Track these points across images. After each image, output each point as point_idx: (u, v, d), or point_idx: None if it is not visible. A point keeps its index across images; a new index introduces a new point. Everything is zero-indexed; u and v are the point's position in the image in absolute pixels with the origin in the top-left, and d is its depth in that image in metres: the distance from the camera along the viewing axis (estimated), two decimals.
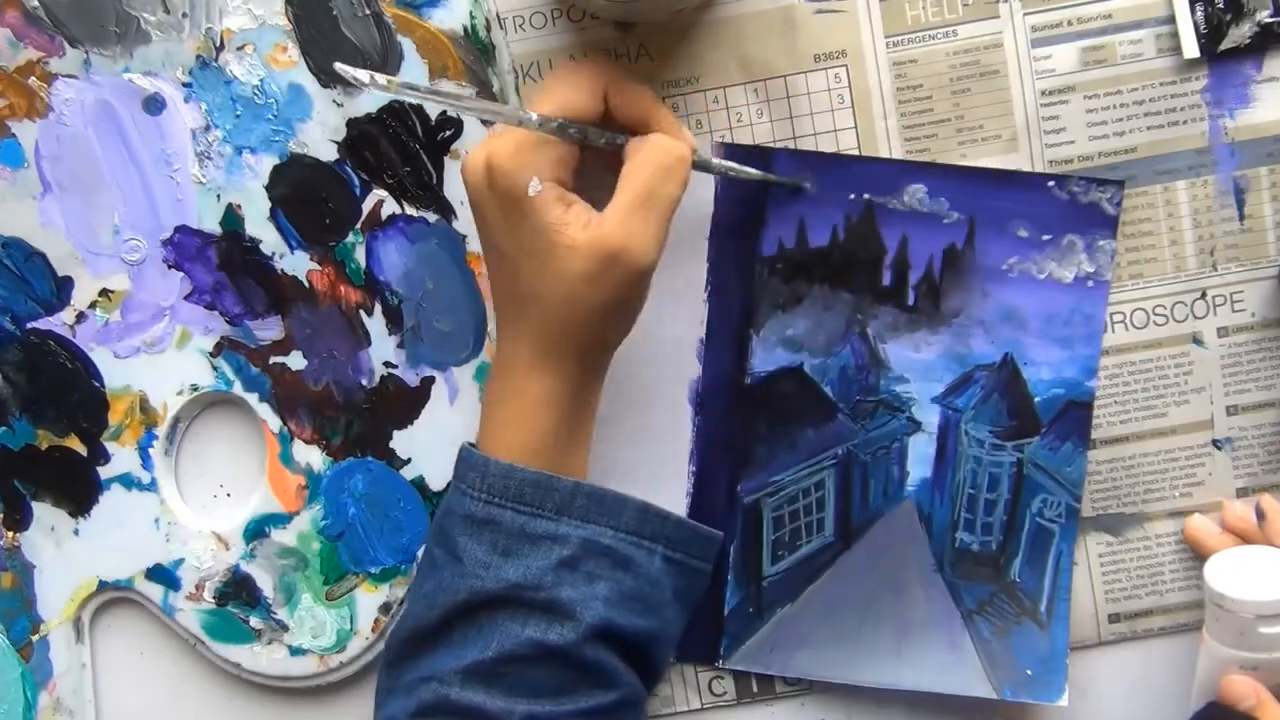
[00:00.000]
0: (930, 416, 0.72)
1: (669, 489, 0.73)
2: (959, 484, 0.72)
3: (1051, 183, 0.69)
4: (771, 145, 0.71)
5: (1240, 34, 0.68)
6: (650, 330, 0.71)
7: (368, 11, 0.70)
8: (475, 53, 0.70)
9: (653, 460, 0.73)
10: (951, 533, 0.72)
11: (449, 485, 0.65)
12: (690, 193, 0.69)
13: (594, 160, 0.65)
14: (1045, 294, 0.70)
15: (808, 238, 0.71)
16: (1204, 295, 0.71)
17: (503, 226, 0.62)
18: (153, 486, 0.73)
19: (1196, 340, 0.71)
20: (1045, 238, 0.70)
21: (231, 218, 0.72)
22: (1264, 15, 0.68)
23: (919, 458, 0.72)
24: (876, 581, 0.72)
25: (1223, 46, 0.68)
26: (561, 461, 0.64)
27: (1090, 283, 0.70)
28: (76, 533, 0.74)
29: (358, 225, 0.72)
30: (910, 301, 0.71)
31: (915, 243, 0.70)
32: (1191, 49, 0.68)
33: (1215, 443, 0.71)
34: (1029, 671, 0.71)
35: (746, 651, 0.73)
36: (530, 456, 0.63)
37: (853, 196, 0.70)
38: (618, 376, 0.70)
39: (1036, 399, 0.71)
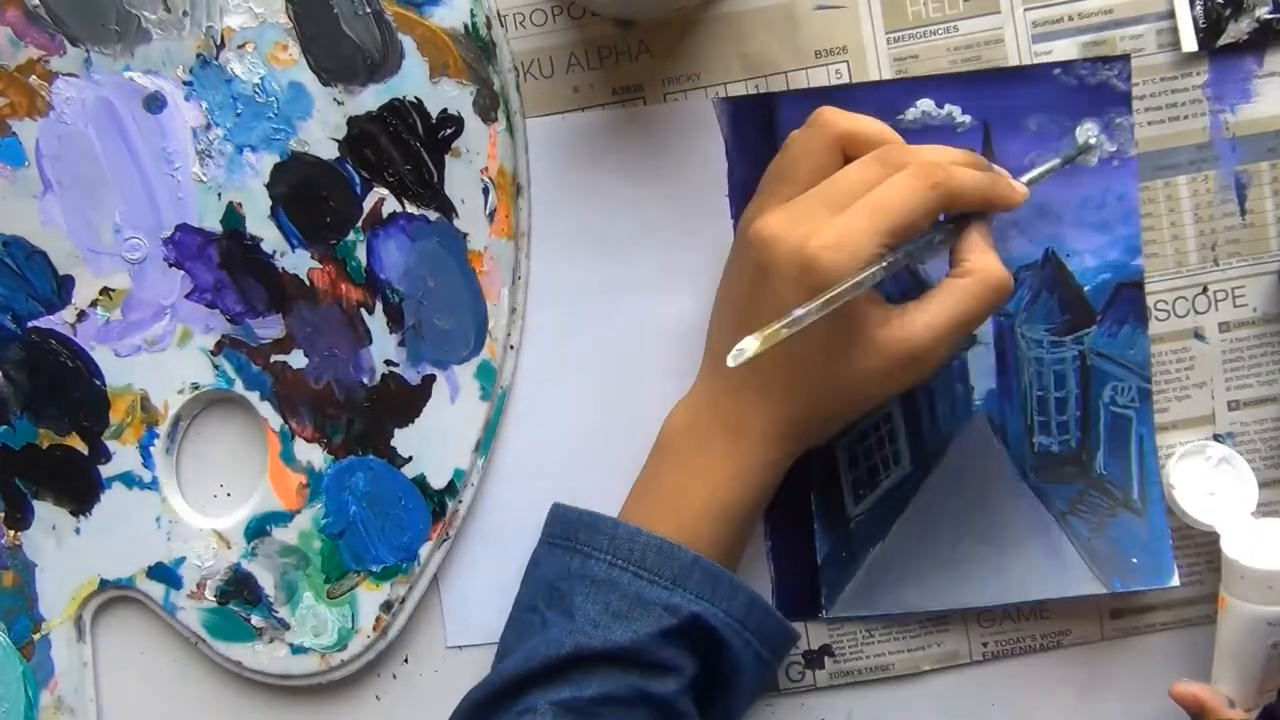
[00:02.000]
0: (984, 327, 0.72)
1: None
2: (1026, 388, 0.72)
3: (1057, 70, 0.70)
4: (771, 92, 0.72)
5: (1239, 29, 0.69)
6: (683, 299, 0.72)
7: (368, 9, 0.71)
8: (476, 50, 0.71)
9: None
10: (1028, 438, 0.72)
11: (549, 546, 0.68)
12: (701, 155, 0.72)
13: None
14: (1073, 182, 0.71)
15: None
16: (1205, 290, 0.72)
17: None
18: (154, 485, 0.74)
19: (1198, 335, 0.72)
20: (1062, 126, 0.71)
21: (232, 216, 0.73)
22: (1263, 11, 0.69)
23: (981, 370, 0.72)
24: (963, 502, 0.73)
25: (1221, 42, 0.70)
26: (740, 529, 0.67)
27: (1115, 162, 0.71)
28: (78, 531, 0.74)
29: (359, 223, 0.73)
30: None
31: None
32: (1190, 43, 0.70)
33: (1217, 438, 0.72)
34: (1134, 560, 0.71)
35: (847, 598, 0.73)
36: (718, 518, 0.66)
37: None
38: (666, 350, 0.73)
39: (1086, 288, 0.71)
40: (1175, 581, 0.71)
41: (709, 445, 0.66)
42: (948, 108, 0.71)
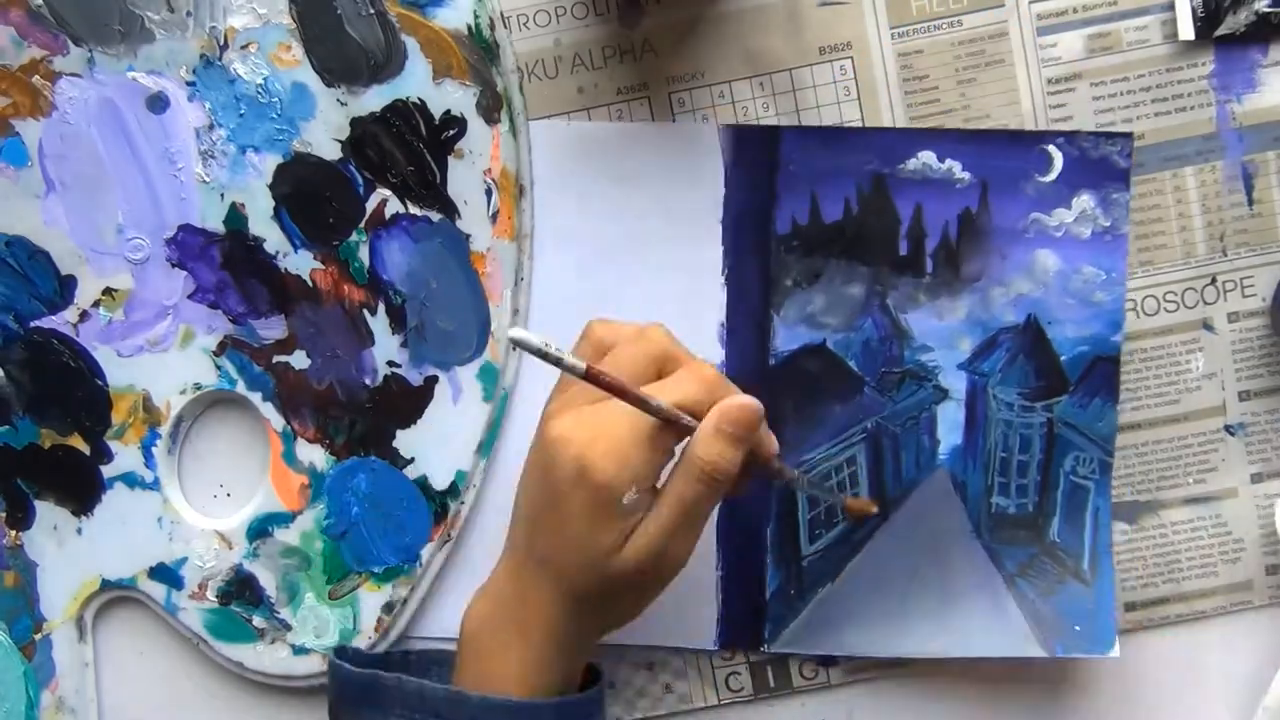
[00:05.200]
0: (957, 383, 0.75)
1: None
2: (990, 448, 0.74)
3: (1060, 139, 0.73)
4: (776, 124, 0.74)
5: (1236, 21, 0.72)
6: (670, 319, 0.74)
7: (371, 10, 0.73)
8: (479, 51, 0.74)
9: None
10: (987, 498, 0.75)
11: (351, 706, 0.68)
12: (700, 177, 0.73)
13: None
14: (1063, 251, 0.73)
15: (821, 213, 0.74)
16: (1214, 281, 0.74)
17: (570, 513, 0.62)
18: (156, 485, 0.76)
19: (1207, 326, 0.74)
20: (1059, 194, 0.73)
21: (235, 216, 0.75)
22: (1262, 4, 0.72)
23: (949, 425, 0.75)
24: (916, 553, 0.75)
25: (1219, 32, 0.72)
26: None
27: (1108, 237, 0.73)
28: (79, 532, 0.77)
29: (361, 224, 0.75)
30: (929, 269, 0.74)
31: (929, 210, 0.74)
32: (1187, 31, 0.72)
33: (1228, 428, 0.74)
34: (1077, 628, 0.73)
35: (791, 634, 0.76)
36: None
37: (863, 168, 0.74)
38: None
39: (1063, 357, 0.74)
40: (1115, 652, 0.73)
41: (507, 646, 0.65)
42: (948, 163, 0.74)
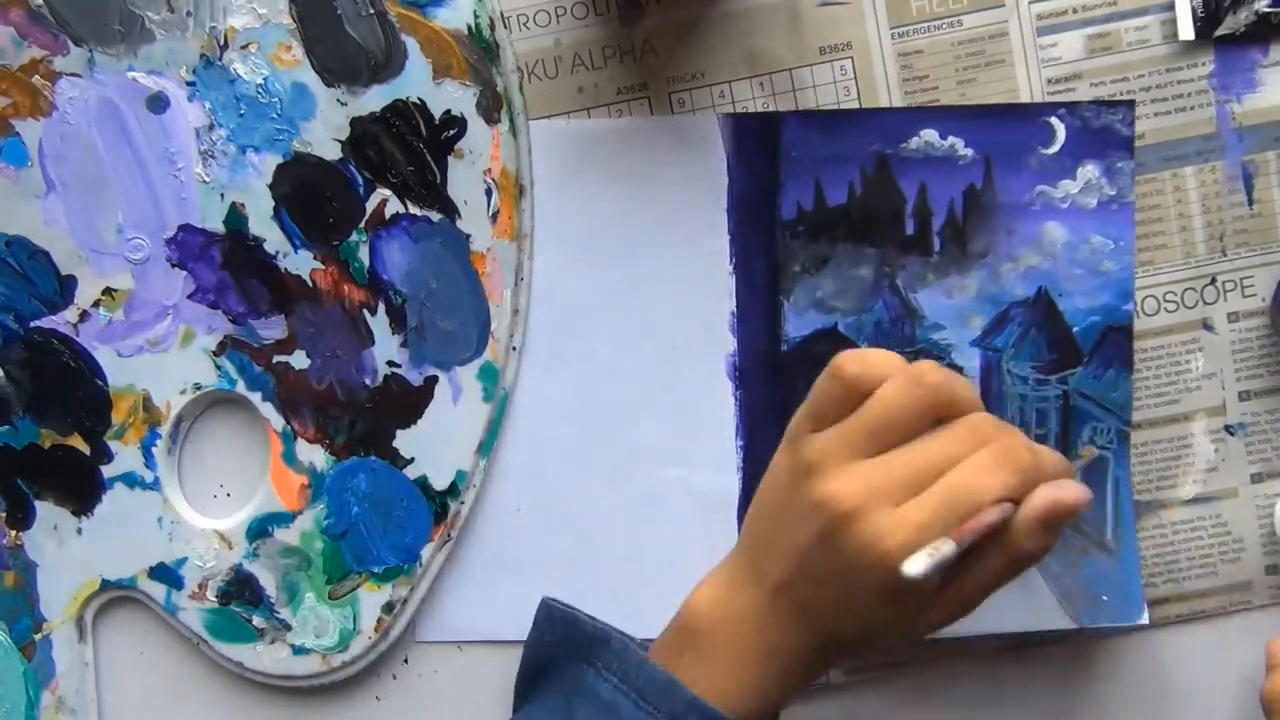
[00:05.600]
0: (971, 360, 0.75)
1: (719, 468, 0.76)
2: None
3: (1061, 111, 0.73)
4: (777, 111, 0.75)
5: (1236, 21, 0.72)
6: (679, 310, 0.74)
7: (371, 10, 0.74)
8: (479, 51, 0.74)
9: (699, 441, 0.76)
10: None
11: (564, 647, 0.67)
12: (702, 169, 0.74)
13: None
14: (1070, 222, 0.74)
15: (825, 197, 0.75)
16: (1214, 281, 0.74)
17: (857, 592, 0.60)
18: (155, 485, 0.77)
19: (1207, 326, 0.74)
20: (1063, 166, 0.73)
21: (235, 217, 0.75)
22: (1263, 4, 0.72)
23: None
24: None
25: (1219, 32, 0.73)
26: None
27: (1114, 206, 0.74)
28: (79, 532, 0.77)
29: (361, 224, 0.75)
30: (936, 248, 0.75)
31: (934, 188, 0.74)
32: (1187, 31, 0.73)
33: (1228, 428, 0.75)
34: (1104, 598, 0.73)
35: None
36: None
37: (865, 150, 0.74)
38: (653, 363, 0.75)
39: (1075, 329, 0.74)
40: (1144, 619, 0.73)
41: (742, 659, 0.63)
42: (951, 140, 0.74)
